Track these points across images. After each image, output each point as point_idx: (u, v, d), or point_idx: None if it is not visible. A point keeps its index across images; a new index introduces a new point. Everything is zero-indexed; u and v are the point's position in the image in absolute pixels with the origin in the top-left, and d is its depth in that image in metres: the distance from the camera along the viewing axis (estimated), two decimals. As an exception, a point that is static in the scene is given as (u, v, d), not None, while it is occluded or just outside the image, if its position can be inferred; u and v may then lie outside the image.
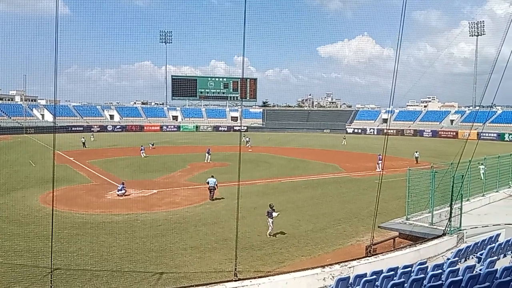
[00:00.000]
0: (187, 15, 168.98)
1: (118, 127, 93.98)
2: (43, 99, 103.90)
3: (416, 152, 42.18)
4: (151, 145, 52.53)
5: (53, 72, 10.73)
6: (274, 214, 17.39)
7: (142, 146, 45.67)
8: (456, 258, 10.92)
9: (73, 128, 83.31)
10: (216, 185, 24.53)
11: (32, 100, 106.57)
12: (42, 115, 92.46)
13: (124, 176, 29.12)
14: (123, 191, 25.00)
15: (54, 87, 11.22)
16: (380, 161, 36.18)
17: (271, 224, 17.37)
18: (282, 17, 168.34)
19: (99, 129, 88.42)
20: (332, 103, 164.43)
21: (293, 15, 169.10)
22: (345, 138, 68.86)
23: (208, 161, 40.07)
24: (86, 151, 51.05)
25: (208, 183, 24.56)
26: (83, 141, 55.74)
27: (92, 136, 68.00)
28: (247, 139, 58.66)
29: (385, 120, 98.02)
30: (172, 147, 56.62)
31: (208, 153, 41.13)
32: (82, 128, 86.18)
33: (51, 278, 11.88)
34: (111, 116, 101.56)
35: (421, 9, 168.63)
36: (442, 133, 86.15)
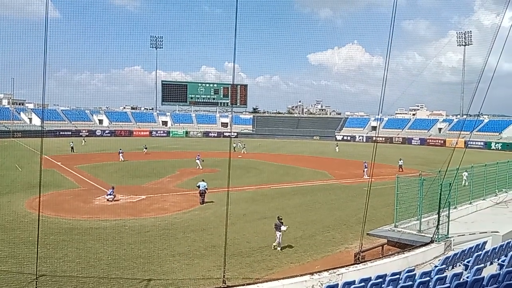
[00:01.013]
0: (178, 21, 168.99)
1: (107, 132, 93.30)
2: (31, 103, 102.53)
3: (400, 160, 42.47)
4: (144, 149, 53.21)
5: (42, 75, 10.65)
6: (283, 228, 16.55)
7: (120, 149, 46.17)
8: (444, 266, 10.99)
9: (61, 133, 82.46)
10: (206, 189, 24.73)
11: (19, 104, 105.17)
12: (30, 119, 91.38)
13: (113, 182, 28.83)
14: (112, 196, 24.77)
15: (42, 90, 11.12)
16: (366, 168, 36.59)
17: (279, 238, 16.52)
18: (273, 24, 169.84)
19: (87, 133, 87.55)
20: (322, 110, 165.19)
21: (284, 22, 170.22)
22: (337, 145, 69.35)
23: (201, 167, 39.73)
24: (74, 155, 50.54)
25: (198, 187, 24.83)
26: (71, 145, 55.23)
27: (83, 140, 67.63)
28: (243, 145, 59.34)
29: (374, 128, 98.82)
30: (161, 153, 56.30)
31: (198, 159, 40.91)
32: (70, 133, 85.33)
33: (36, 285, 11.71)
34: (100, 121, 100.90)
35: (410, 19, 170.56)
36: (430, 141, 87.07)
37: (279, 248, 16.49)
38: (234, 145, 60.16)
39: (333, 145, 71.42)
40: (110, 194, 24.81)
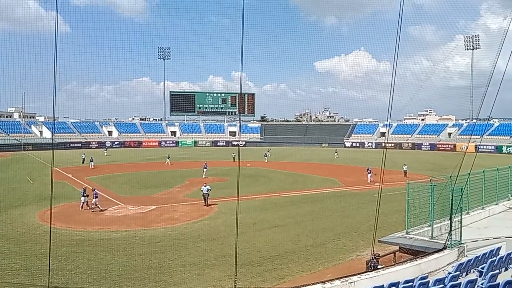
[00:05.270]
0: (186, 32, 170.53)
1: (116, 143, 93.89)
2: (41, 116, 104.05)
3: (405, 165, 42.24)
4: (167, 159, 54.42)
5: (52, 89, 10.80)
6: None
7: (91, 157, 51.07)
8: (458, 272, 10.83)
9: (71, 145, 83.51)
10: (209, 191, 26.62)
11: (30, 117, 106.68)
12: (41, 132, 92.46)
13: (123, 193, 29.04)
14: (96, 199, 25.69)
15: (53, 103, 11.28)
16: (369, 174, 37.34)
17: None
18: (279, 33, 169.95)
19: (97, 145, 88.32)
20: (330, 117, 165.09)
21: (290, 30, 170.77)
22: (337, 152, 69.94)
23: (205, 176, 39.98)
24: (84, 167, 50.91)
25: (202, 191, 26.64)
26: (83, 157, 55.71)
27: (105, 151, 68.58)
28: (268, 153, 61.54)
29: (383, 134, 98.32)
30: (181, 162, 56.35)
31: (205, 168, 41.22)
32: (80, 145, 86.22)
33: (49, 297, 11.74)
34: (110, 132, 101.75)
35: (416, 24, 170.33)
36: (440, 146, 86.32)
37: None
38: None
39: (339, 152, 71.65)
40: (95, 197, 25.65)
